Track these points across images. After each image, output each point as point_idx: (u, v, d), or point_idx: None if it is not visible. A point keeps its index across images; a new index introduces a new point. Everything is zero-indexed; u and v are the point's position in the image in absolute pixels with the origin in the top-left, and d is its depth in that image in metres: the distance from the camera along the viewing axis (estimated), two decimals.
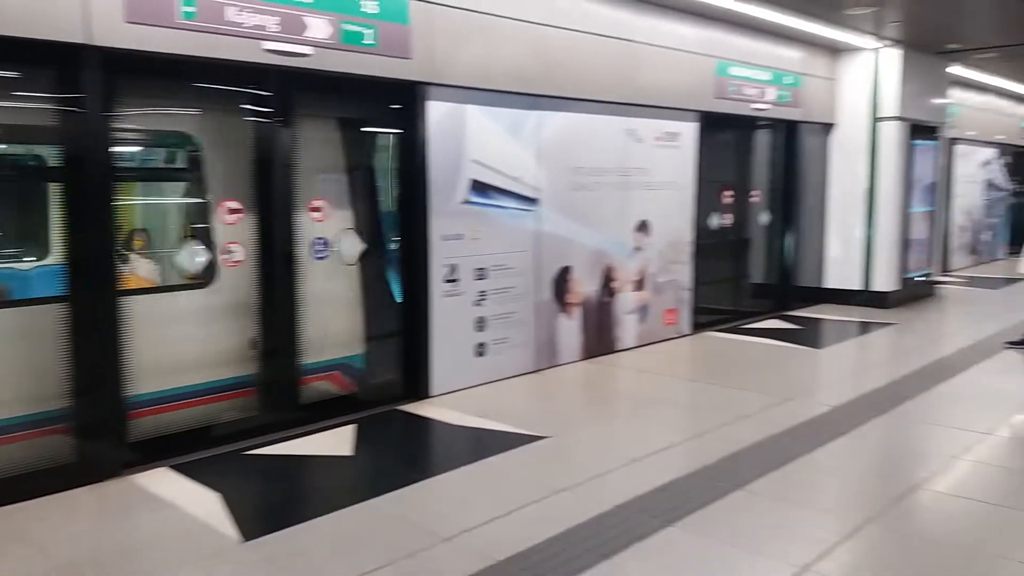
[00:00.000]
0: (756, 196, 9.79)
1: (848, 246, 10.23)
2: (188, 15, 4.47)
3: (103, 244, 4.36)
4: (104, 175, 4.34)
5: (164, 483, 4.34)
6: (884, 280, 10.06)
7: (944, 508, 4.09)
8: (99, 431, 4.38)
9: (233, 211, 5.06)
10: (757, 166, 9.88)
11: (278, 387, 5.32)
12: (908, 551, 3.59)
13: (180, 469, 4.52)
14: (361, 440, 5.10)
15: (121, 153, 4.59)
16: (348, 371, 5.81)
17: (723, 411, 5.63)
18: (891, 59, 9.80)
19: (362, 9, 5.27)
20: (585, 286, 7.20)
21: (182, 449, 4.74)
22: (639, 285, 7.77)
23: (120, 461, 4.45)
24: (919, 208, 10.69)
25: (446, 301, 6.02)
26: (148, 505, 4.09)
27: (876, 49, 9.80)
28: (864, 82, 10.00)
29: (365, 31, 5.28)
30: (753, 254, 9.94)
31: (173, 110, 5.00)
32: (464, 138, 6.05)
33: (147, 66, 4.54)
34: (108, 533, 3.83)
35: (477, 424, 5.42)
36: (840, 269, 10.32)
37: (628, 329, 7.68)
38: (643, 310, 7.84)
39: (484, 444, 5.08)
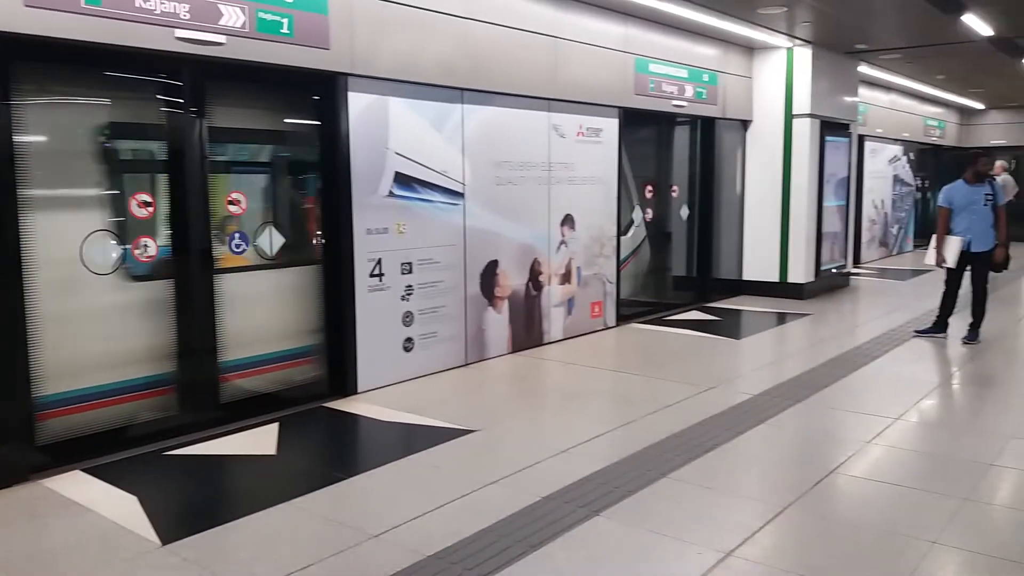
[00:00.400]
0: (676, 191, 9.96)
1: (765, 239, 10.52)
2: (93, 0, 4.28)
3: (5, 237, 4.15)
4: (3, 164, 4.12)
5: (77, 487, 4.16)
6: (800, 272, 10.38)
7: (860, 491, 4.24)
8: (5, 434, 4.17)
9: (145, 204, 4.88)
10: (677, 162, 10.06)
11: (197, 385, 5.16)
12: (826, 534, 3.71)
13: (94, 472, 4.35)
14: (285, 438, 4.99)
15: (24, 143, 4.34)
16: (270, 368, 5.67)
17: (648, 401, 5.72)
18: (803, 58, 10.10)
19: None
20: (513, 280, 7.21)
21: (97, 451, 4.56)
22: (565, 278, 7.82)
23: (29, 465, 4.25)
24: (832, 202, 11.07)
25: (372, 296, 5.94)
26: (60, 510, 3.91)
27: (789, 48, 10.10)
28: (778, 80, 10.29)
29: (282, 20, 5.16)
30: (674, 248, 10.12)
31: (81, 99, 4.78)
32: (388, 130, 5.98)
33: (51, 53, 4.33)
34: (18, 539, 3.64)
35: (405, 419, 5.37)
36: (757, 262, 10.61)
37: (555, 322, 7.73)
38: (570, 303, 7.90)
39: (412, 439, 5.04)
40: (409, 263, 6.21)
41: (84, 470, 4.37)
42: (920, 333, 8.03)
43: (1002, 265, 7.77)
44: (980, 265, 7.63)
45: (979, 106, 18.86)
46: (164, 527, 3.70)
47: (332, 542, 3.55)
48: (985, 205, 7.50)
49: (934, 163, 18.53)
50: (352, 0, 5.61)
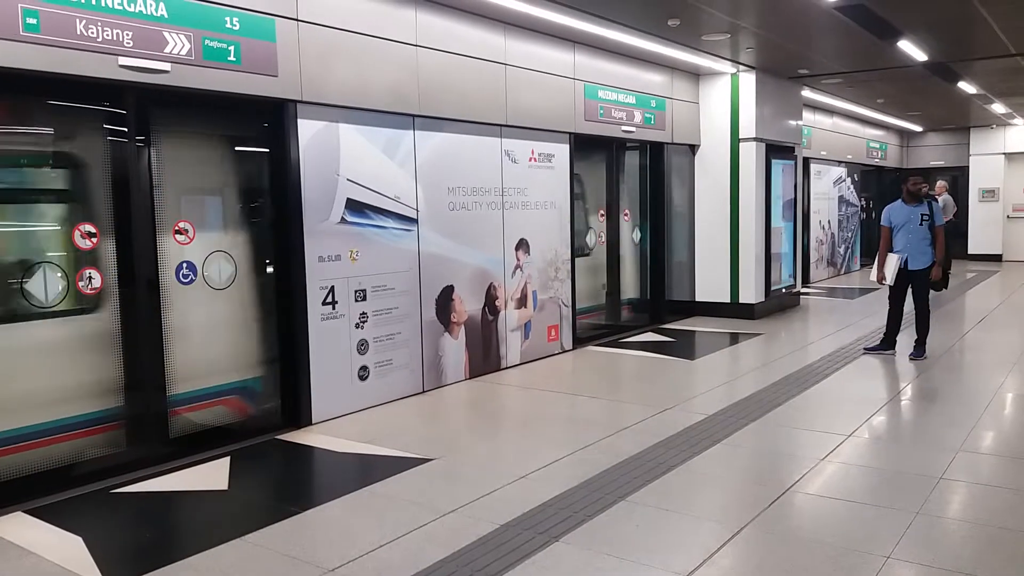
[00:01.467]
0: (628, 215, 10.06)
1: (716, 261, 10.66)
2: (31, 27, 4.19)
3: None
4: None
5: (19, 529, 4.01)
6: (750, 292, 10.53)
7: (815, 509, 4.27)
8: None
9: (89, 235, 4.76)
10: (628, 186, 10.17)
11: (146, 420, 5.02)
12: (783, 553, 3.72)
13: (37, 513, 4.19)
14: (237, 472, 4.88)
15: None
16: (220, 400, 5.55)
17: (605, 424, 5.72)
18: (748, 83, 10.32)
19: (226, 26, 5.10)
20: (469, 305, 7.18)
21: (40, 491, 4.39)
22: (521, 303, 7.82)
23: None
24: (780, 223, 11.27)
25: (325, 324, 5.87)
26: (1, 554, 3.76)
27: (734, 74, 10.31)
28: (724, 105, 10.48)
29: (229, 47, 5.11)
30: (627, 270, 10.19)
31: (22, 128, 4.66)
32: (339, 157, 5.94)
33: None
34: None
35: (361, 450, 5.28)
36: (709, 283, 10.74)
37: (512, 347, 7.72)
38: (526, 327, 7.89)
39: (369, 470, 4.96)
40: (363, 290, 6.15)
41: (27, 511, 4.21)
42: (869, 350, 8.19)
43: (940, 283, 7.96)
44: (919, 283, 7.80)
45: (918, 128, 19.47)
46: (110, 568, 3.58)
47: None
48: (922, 224, 7.67)
49: (877, 184, 19.04)
50: (300, 27, 5.58)
